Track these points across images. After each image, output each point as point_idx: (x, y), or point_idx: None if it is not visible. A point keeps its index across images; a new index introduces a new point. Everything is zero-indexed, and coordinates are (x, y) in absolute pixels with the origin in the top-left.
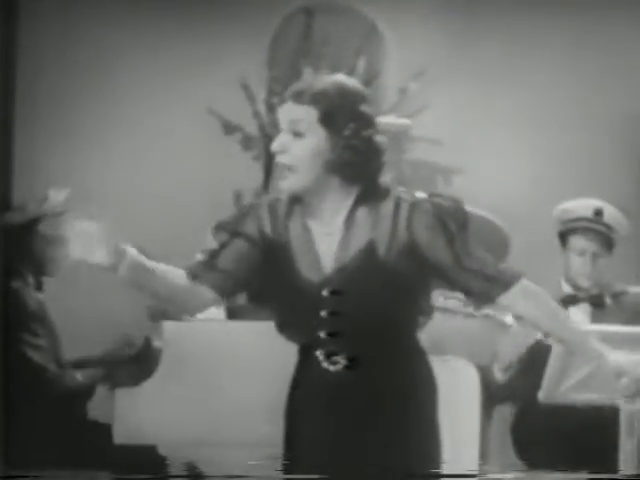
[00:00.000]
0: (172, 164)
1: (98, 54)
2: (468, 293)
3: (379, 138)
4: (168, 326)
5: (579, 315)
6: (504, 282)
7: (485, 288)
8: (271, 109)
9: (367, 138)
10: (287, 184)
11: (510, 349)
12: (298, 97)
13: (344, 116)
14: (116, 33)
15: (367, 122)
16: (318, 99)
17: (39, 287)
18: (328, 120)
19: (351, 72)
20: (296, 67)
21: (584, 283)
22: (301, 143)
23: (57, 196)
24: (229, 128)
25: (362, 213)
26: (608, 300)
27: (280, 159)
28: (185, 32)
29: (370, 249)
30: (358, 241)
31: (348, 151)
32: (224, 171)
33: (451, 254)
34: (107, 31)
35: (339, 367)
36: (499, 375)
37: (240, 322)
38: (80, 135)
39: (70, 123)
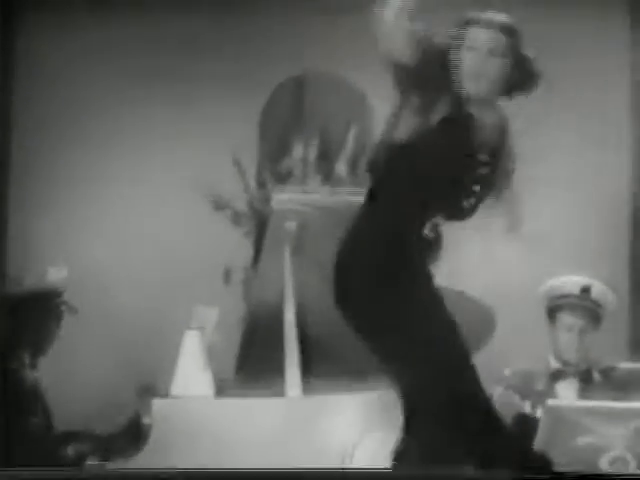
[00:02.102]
0: (162, 240)
1: (91, 126)
2: None
3: None
4: (157, 403)
5: (567, 390)
6: None
7: None
8: (261, 185)
9: None
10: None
11: None
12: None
13: None
14: (107, 105)
15: None
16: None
17: (34, 365)
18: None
19: (342, 143)
20: (286, 142)
21: (572, 358)
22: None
23: (57, 274)
24: (219, 204)
25: None
26: (596, 375)
27: None
28: (177, 109)
29: None
30: None
31: None
32: (214, 247)
33: None
34: (99, 105)
35: None
36: None
37: (227, 399)
38: (72, 210)
39: (62, 199)
